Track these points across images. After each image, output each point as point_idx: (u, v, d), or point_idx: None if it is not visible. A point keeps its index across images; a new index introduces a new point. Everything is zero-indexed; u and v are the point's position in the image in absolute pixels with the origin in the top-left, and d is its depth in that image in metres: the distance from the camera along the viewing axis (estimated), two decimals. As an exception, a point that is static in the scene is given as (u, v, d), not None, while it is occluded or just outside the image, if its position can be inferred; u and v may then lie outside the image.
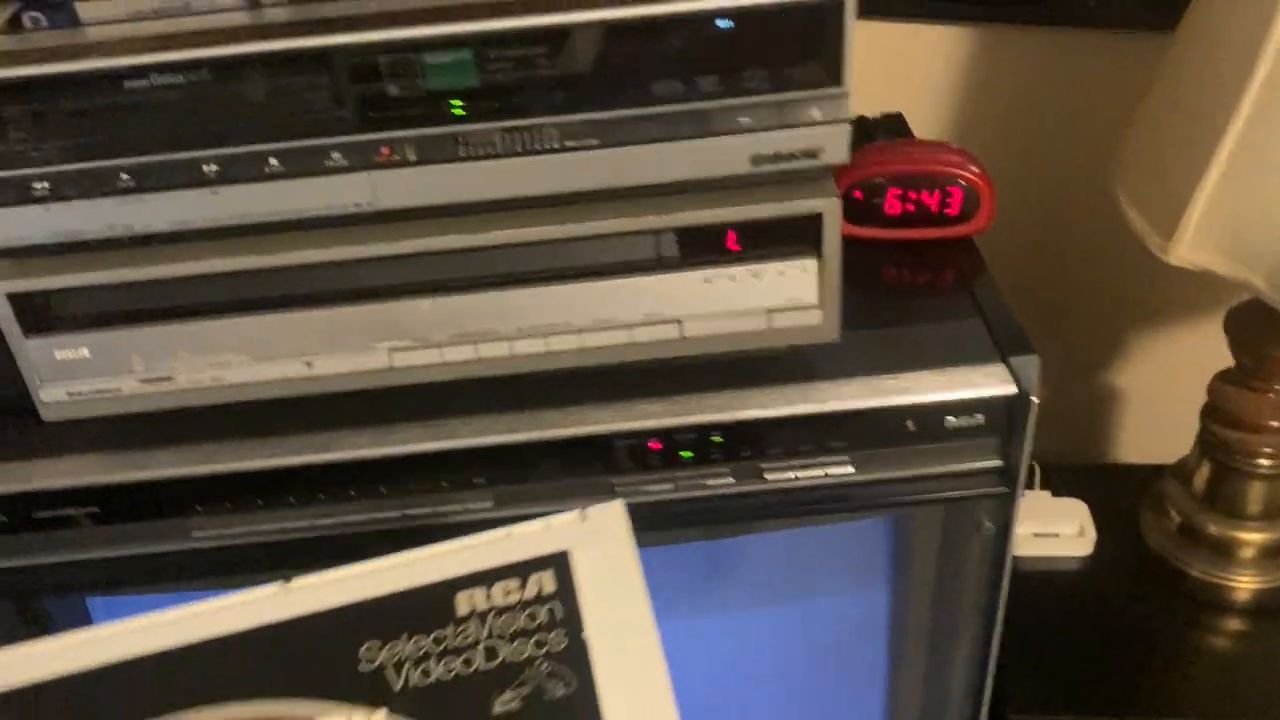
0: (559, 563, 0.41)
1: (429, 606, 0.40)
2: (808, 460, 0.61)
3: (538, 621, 0.39)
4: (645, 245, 0.56)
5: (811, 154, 0.53)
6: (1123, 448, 1.08)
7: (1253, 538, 0.86)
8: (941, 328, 0.64)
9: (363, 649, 0.39)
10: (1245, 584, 0.86)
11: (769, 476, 0.61)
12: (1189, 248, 0.68)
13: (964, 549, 0.65)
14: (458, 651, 0.39)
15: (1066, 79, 0.91)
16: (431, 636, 0.39)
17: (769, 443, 0.61)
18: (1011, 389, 0.60)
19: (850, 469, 0.62)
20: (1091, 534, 0.91)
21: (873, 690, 0.76)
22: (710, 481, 0.61)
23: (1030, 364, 0.60)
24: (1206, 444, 0.86)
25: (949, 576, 0.67)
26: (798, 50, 0.51)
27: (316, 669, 0.38)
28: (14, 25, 0.54)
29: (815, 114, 0.52)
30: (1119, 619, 0.87)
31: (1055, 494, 0.92)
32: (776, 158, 0.53)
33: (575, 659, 0.38)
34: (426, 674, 0.38)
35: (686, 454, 0.60)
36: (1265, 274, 0.65)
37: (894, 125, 0.81)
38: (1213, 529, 0.86)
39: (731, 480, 0.61)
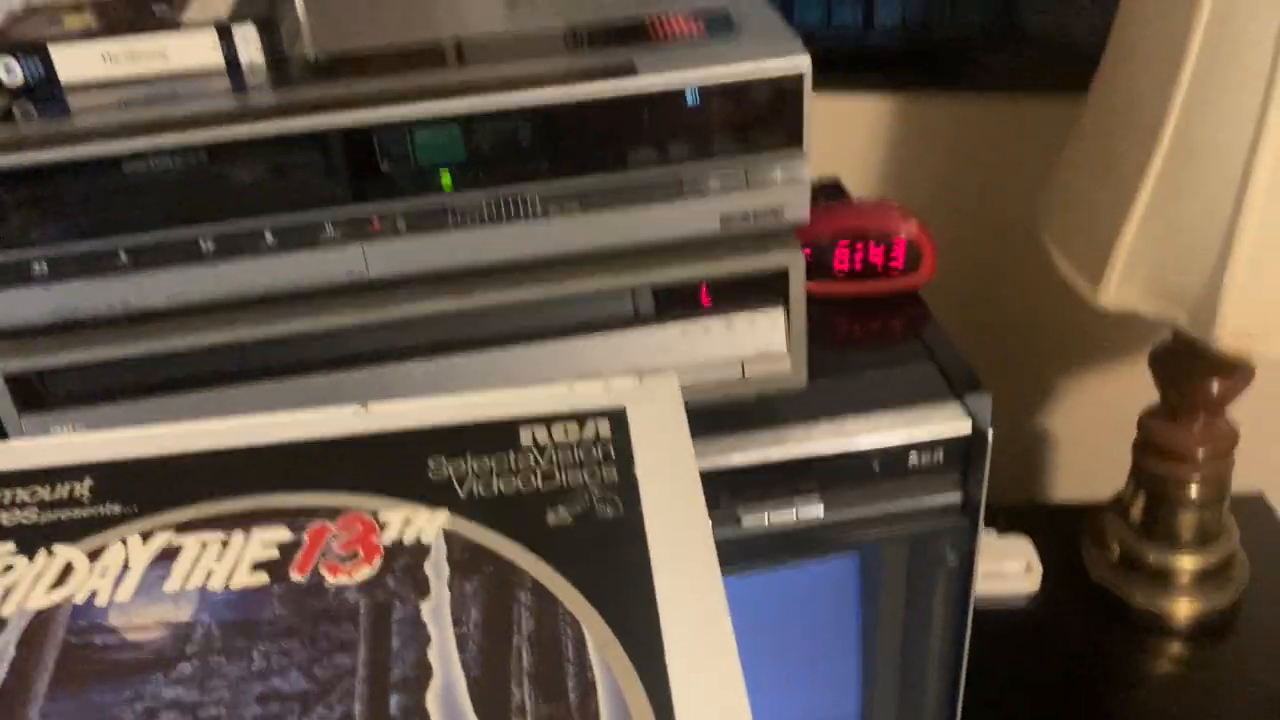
0: (616, 415, 0.46)
1: (495, 435, 0.45)
2: (780, 502, 0.64)
3: (594, 458, 0.44)
4: (624, 303, 0.59)
5: (776, 212, 0.57)
6: (1063, 485, 1.14)
7: (1188, 563, 0.91)
8: (897, 373, 0.68)
9: (431, 461, 0.44)
10: (1184, 609, 0.91)
11: (745, 522, 0.64)
12: (1116, 290, 0.73)
13: (930, 583, 0.68)
14: (518, 473, 0.43)
15: (989, 139, 0.97)
16: (495, 458, 0.44)
17: (744, 489, 0.64)
18: (967, 425, 0.64)
19: (820, 509, 0.65)
20: (1038, 570, 0.95)
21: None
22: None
23: (983, 401, 0.64)
24: (1140, 477, 0.91)
25: (916, 611, 0.70)
26: (762, 119, 0.55)
27: (388, 474, 0.43)
28: (5, 117, 0.56)
29: (778, 175, 0.56)
30: (1068, 651, 0.91)
31: (1001, 532, 0.97)
32: (744, 217, 0.57)
33: (625, 490, 0.42)
34: (488, 487, 0.43)
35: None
36: (1188, 310, 0.71)
37: (833, 189, 0.86)
38: (1151, 558, 0.91)
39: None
